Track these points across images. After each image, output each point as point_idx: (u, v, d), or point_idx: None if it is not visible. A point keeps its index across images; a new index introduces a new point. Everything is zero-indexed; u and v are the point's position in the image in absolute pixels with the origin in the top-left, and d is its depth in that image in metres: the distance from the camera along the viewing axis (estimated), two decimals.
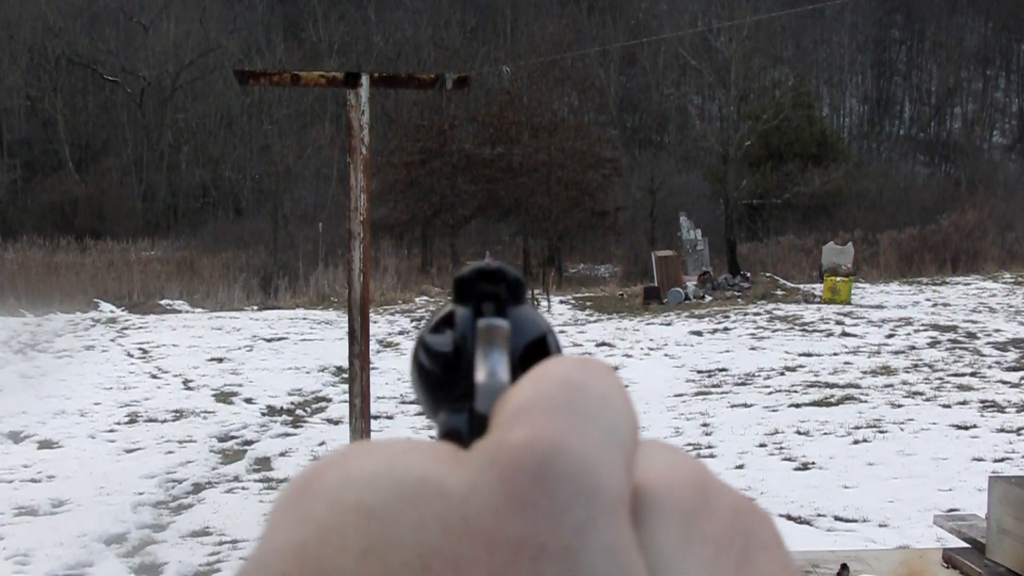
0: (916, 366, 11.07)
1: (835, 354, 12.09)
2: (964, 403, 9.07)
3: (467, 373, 0.29)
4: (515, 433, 0.22)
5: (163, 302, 21.02)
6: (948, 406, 8.97)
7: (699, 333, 14.39)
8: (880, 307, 17.03)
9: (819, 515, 5.90)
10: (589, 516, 0.21)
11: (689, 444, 8.02)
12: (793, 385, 10.42)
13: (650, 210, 33.42)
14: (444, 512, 0.21)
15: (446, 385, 0.31)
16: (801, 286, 21.90)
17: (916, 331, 13.29)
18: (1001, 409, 8.75)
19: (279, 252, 27.81)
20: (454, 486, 0.22)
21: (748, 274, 23.49)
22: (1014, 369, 10.57)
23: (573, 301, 20.42)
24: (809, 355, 12.12)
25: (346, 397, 6.88)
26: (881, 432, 8.06)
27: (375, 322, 15.30)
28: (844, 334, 13.46)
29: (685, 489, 0.24)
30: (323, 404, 10.22)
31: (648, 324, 15.73)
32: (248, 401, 10.26)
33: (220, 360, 12.65)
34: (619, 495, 0.22)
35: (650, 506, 0.23)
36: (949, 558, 2.16)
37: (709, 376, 11.28)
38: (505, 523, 0.21)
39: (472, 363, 0.29)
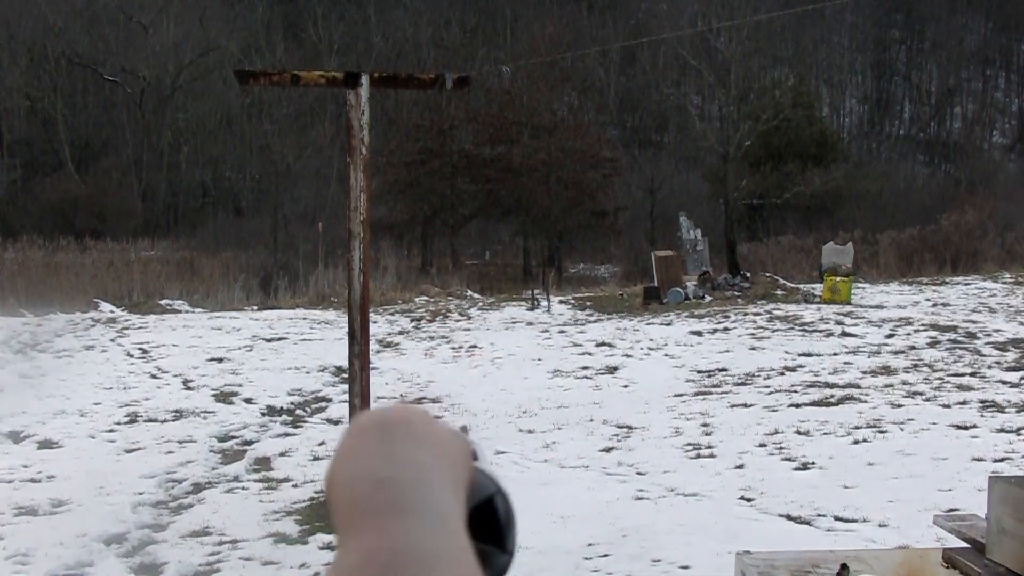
0: (916, 366, 11.07)
1: (835, 354, 12.08)
2: (964, 403, 9.06)
3: None
4: (349, 559, 0.22)
5: (163, 302, 21.02)
6: (948, 406, 8.97)
7: (699, 333, 14.39)
8: (880, 307, 17.03)
9: (819, 515, 5.89)
10: None
11: (689, 444, 8.02)
12: (793, 385, 10.42)
13: (650, 210, 33.41)
14: None
15: None
16: (801, 286, 21.90)
17: (916, 331, 13.28)
18: (1001, 409, 8.75)
19: (279, 252, 27.81)
20: None
21: (748, 274, 23.48)
22: (1014, 369, 10.57)
23: (573, 301, 20.41)
24: (809, 355, 12.11)
25: (346, 397, 6.88)
26: (881, 432, 8.06)
27: (375, 322, 15.29)
28: (844, 334, 13.45)
29: None
30: (323, 404, 10.23)
31: (648, 324, 15.72)
32: (248, 401, 10.26)
33: (220, 360, 12.65)
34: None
35: None
36: (949, 558, 2.16)
37: (709, 376, 11.28)
38: None
39: None
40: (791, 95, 32.94)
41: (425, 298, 21.51)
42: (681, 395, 10.30)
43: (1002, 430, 7.94)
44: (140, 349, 13.44)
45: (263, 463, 7.67)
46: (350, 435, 0.25)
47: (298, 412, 9.81)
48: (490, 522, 0.28)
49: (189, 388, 10.92)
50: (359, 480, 0.23)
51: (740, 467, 7.20)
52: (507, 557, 0.29)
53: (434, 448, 0.24)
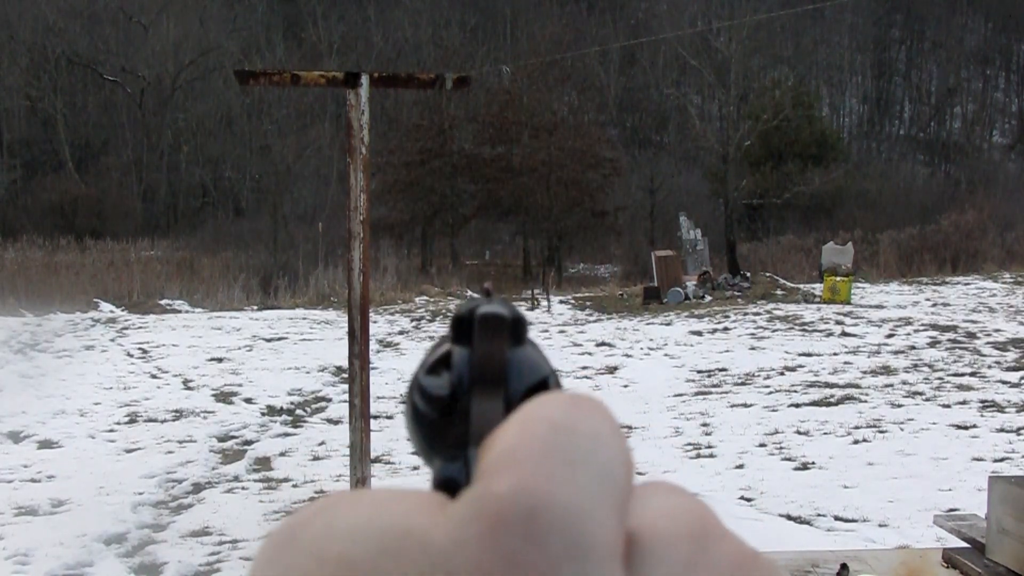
0: (916, 366, 11.07)
1: (835, 354, 12.09)
2: (964, 403, 9.07)
3: (464, 418, 0.28)
4: (500, 483, 0.21)
5: (163, 302, 21.02)
6: (948, 406, 8.97)
7: (699, 333, 14.39)
8: (880, 307, 17.03)
9: (819, 515, 5.89)
10: (581, 573, 0.21)
11: (689, 444, 8.02)
12: (793, 385, 10.42)
13: (650, 210, 33.42)
14: (427, 569, 0.21)
15: (442, 430, 0.29)
16: (801, 286, 21.90)
17: (916, 331, 13.29)
18: (1001, 409, 8.75)
19: (279, 252, 27.79)
20: (437, 540, 0.21)
21: (748, 274, 23.49)
22: (1014, 369, 10.57)
23: (573, 301, 20.42)
24: (809, 355, 12.12)
25: (346, 397, 6.87)
26: (881, 432, 8.06)
27: (375, 322, 15.29)
28: (844, 334, 13.45)
29: (682, 540, 0.23)
30: (323, 404, 10.23)
31: (648, 324, 15.72)
32: (248, 401, 10.26)
33: (220, 360, 12.65)
34: (612, 548, 0.21)
35: (644, 559, 0.22)
36: (949, 558, 2.16)
37: (709, 376, 11.28)
38: None
39: (469, 407, 0.28)
40: (791, 95, 32.95)
41: (425, 298, 21.51)
42: (681, 395, 10.30)
43: (1002, 430, 7.95)
44: (140, 349, 13.45)
45: (263, 463, 7.67)
46: (544, 397, 0.24)
47: (298, 412, 9.81)
48: None
49: (189, 388, 10.92)
50: (538, 420, 0.22)
51: (740, 467, 7.20)
52: None
53: (615, 429, 0.23)
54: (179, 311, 19.69)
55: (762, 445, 7.85)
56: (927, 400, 9.31)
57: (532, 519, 0.21)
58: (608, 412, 0.24)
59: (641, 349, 13.29)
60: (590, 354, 13.06)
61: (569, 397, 0.23)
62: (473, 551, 0.21)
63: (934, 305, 17.19)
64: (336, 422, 9.07)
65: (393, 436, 8.16)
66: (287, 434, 8.77)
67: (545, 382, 0.30)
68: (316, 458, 7.79)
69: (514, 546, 0.20)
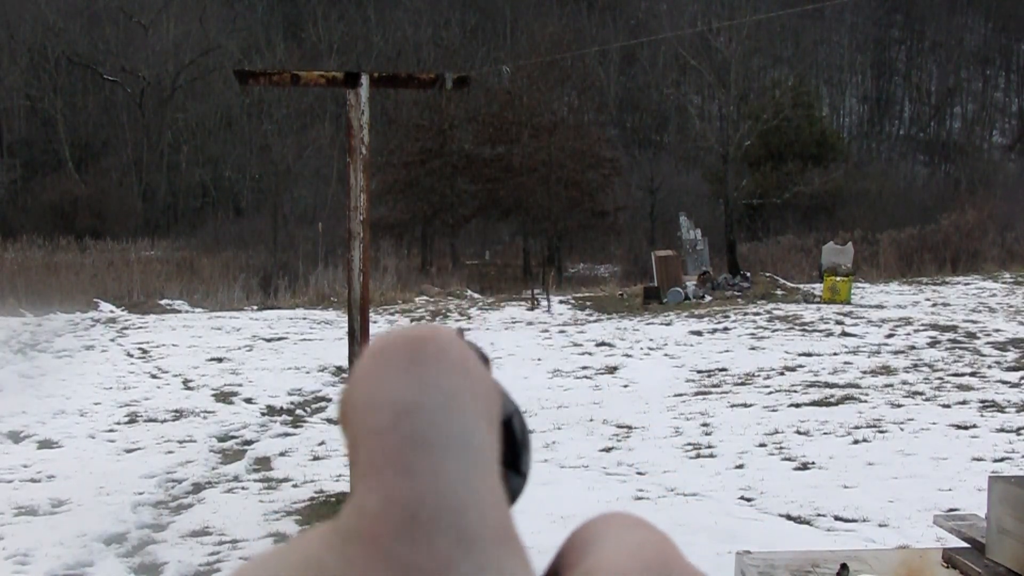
0: (916, 366, 11.07)
1: (835, 354, 12.08)
2: (964, 403, 9.06)
3: None
4: (369, 499, 0.21)
5: (163, 302, 21.01)
6: (948, 406, 8.97)
7: (699, 333, 14.39)
8: (880, 307, 17.03)
9: (819, 515, 5.89)
10: (475, 561, 0.21)
11: (689, 444, 8.02)
12: (793, 385, 10.42)
13: (650, 210, 33.44)
14: None
15: None
16: (801, 286, 21.90)
17: (916, 331, 13.28)
18: (1001, 409, 8.75)
19: (279, 252, 27.80)
20: (330, 562, 0.21)
21: (748, 274, 23.48)
22: (1014, 369, 10.57)
23: (573, 301, 20.41)
24: (809, 355, 12.11)
25: None
26: (881, 432, 8.06)
27: (375, 322, 15.28)
28: (844, 334, 13.45)
29: None
30: (323, 404, 10.23)
31: (648, 324, 15.72)
32: (248, 401, 10.26)
33: (220, 360, 12.65)
34: (502, 529, 0.22)
35: None
36: (949, 558, 2.16)
37: (709, 376, 11.28)
38: None
39: None
40: (791, 95, 32.94)
41: (425, 298, 21.51)
42: (681, 395, 10.30)
43: (1002, 430, 7.94)
44: (140, 349, 13.45)
45: (263, 463, 7.67)
46: (371, 353, 0.22)
47: (298, 412, 9.81)
48: (507, 443, 0.26)
49: (189, 388, 10.92)
50: (380, 406, 0.21)
51: (740, 467, 7.19)
52: (521, 480, 0.27)
53: (465, 371, 0.22)
54: (179, 311, 19.68)
55: (762, 445, 7.85)
56: (927, 400, 9.31)
57: (411, 525, 0.21)
58: (450, 353, 0.23)
59: (641, 349, 13.29)
60: (590, 354, 13.06)
61: (404, 361, 0.22)
62: (361, 565, 0.21)
63: (934, 305, 17.19)
64: (336, 422, 9.06)
65: None
66: (287, 434, 8.77)
67: (510, 420, 0.29)
68: (316, 458, 7.80)
69: (401, 553, 0.21)
